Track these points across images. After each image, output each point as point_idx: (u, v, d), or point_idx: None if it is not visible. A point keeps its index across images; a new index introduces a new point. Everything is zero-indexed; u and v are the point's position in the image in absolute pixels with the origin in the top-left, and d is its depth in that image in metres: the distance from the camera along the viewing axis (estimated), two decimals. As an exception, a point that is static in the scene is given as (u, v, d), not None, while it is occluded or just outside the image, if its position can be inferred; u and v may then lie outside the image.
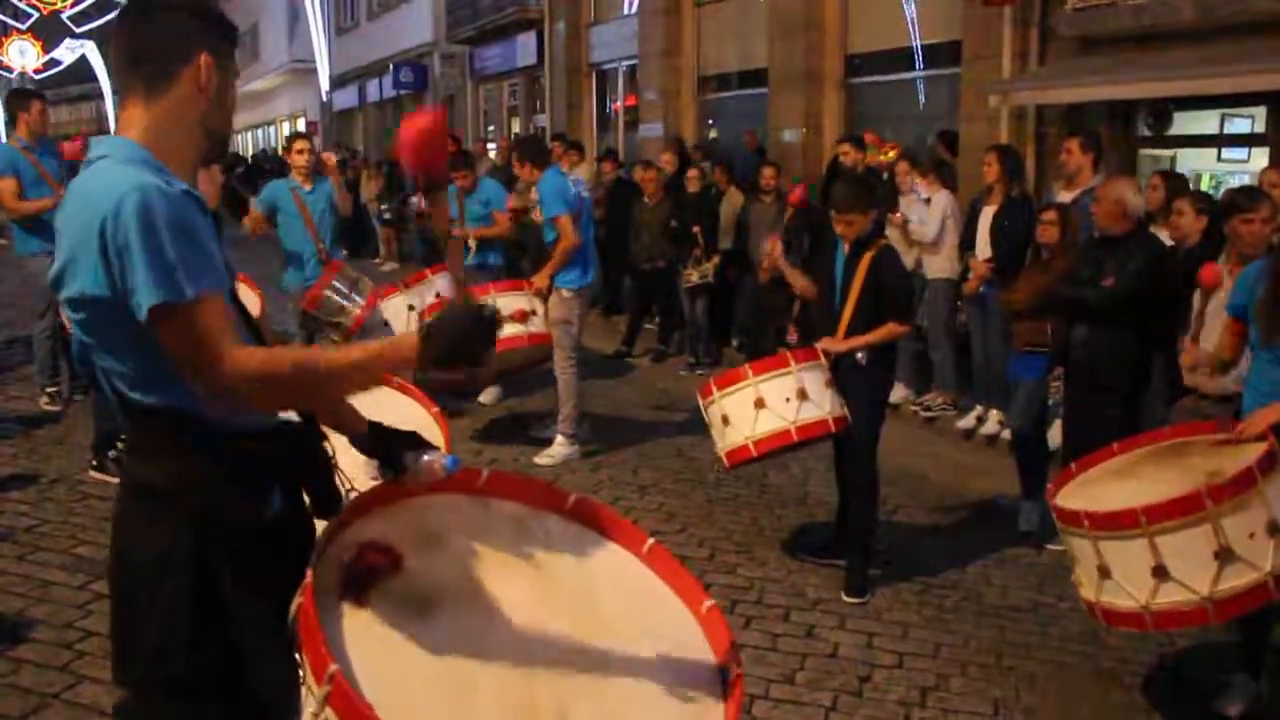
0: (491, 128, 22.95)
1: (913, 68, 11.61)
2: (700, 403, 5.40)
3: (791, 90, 12.51)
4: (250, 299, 5.90)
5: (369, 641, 1.87)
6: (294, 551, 2.04)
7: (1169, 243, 5.90)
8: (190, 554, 2.02)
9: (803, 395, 5.12)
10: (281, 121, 39.81)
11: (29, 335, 8.50)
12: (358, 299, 7.51)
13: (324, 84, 31.91)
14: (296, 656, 1.85)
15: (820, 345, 5.30)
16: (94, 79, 42.60)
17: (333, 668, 1.70)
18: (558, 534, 2.29)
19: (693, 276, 10.03)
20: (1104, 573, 3.69)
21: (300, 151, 7.89)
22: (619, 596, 2.18)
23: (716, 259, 9.99)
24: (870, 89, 12.38)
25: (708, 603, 2.17)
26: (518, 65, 20.61)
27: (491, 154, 17.29)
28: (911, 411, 8.45)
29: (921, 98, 11.73)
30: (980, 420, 7.90)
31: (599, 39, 18.00)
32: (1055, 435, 6.22)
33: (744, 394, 5.16)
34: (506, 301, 6.89)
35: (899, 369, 8.70)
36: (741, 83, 14.49)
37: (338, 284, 7.50)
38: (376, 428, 2.29)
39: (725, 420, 5.22)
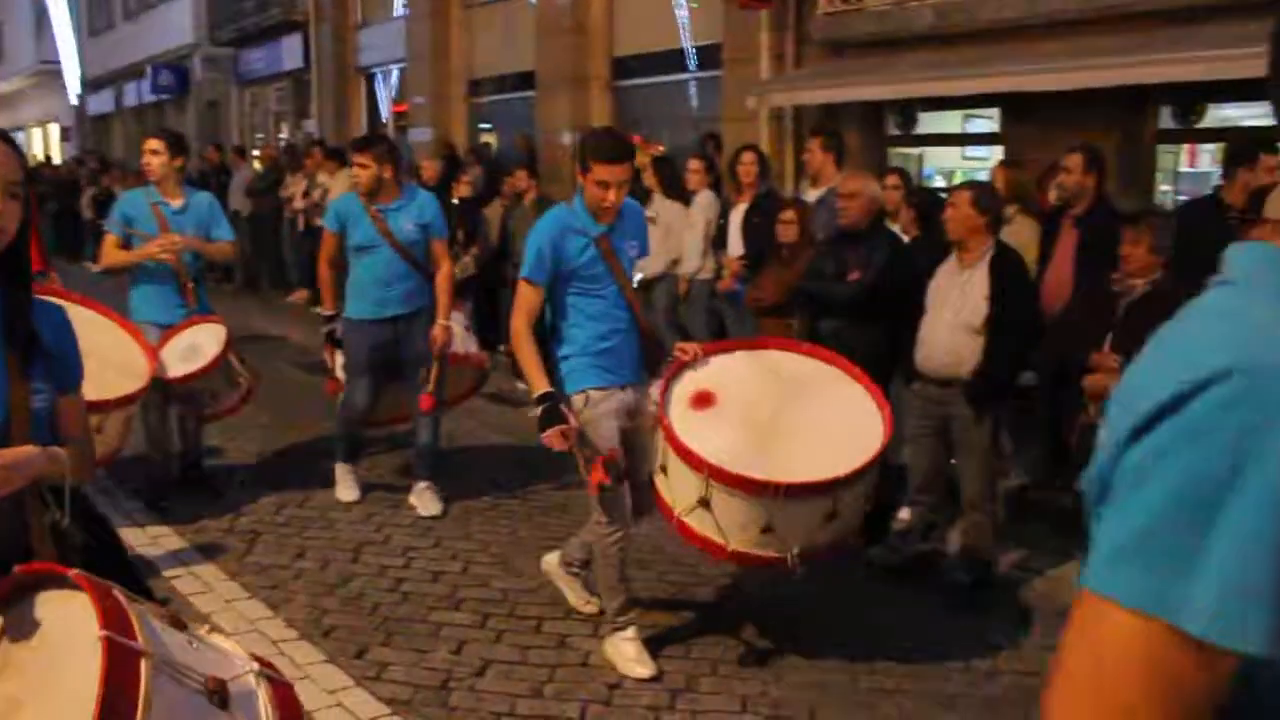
0: (260, 135, 22.03)
1: (679, 70, 11.73)
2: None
3: (559, 93, 12.45)
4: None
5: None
6: None
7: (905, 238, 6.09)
8: None
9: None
10: (31, 128, 37.16)
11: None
12: None
13: (74, 87, 30.04)
14: None
15: None
16: None
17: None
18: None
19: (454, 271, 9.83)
20: None
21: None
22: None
23: (475, 250, 9.79)
24: (638, 91, 12.45)
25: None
26: (284, 68, 19.84)
27: (256, 165, 16.52)
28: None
29: (690, 100, 11.86)
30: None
31: (367, 41, 17.52)
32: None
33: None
34: None
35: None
36: (513, 86, 14.34)
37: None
38: None
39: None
